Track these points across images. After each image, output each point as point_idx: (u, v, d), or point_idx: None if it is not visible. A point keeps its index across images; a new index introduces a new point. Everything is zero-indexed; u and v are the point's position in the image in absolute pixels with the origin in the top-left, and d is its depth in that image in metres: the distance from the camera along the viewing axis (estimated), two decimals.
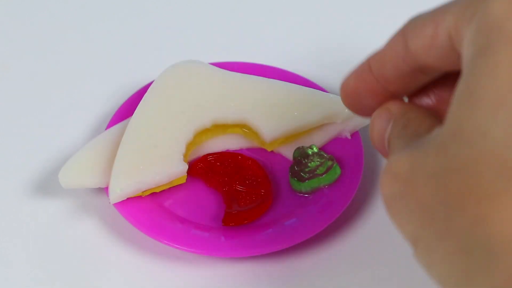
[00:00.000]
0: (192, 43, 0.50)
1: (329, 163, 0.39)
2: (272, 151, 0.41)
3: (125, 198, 0.38)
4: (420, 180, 0.24)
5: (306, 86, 0.43)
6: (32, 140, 0.44)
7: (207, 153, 0.42)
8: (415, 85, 0.31)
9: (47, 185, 0.41)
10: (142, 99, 0.41)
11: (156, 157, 0.38)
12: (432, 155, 0.24)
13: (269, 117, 0.41)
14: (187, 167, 0.39)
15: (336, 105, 0.41)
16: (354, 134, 0.42)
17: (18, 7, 0.53)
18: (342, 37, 0.51)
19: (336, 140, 0.42)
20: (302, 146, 0.40)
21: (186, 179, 0.39)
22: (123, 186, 0.37)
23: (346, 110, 0.40)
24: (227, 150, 0.42)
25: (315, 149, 0.39)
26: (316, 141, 0.41)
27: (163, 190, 0.39)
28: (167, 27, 0.51)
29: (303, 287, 0.37)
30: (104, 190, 0.39)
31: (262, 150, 0.42)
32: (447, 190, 0.23)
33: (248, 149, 0.42)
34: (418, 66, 0.29)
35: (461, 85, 0.24)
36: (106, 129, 0.42)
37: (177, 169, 0.38)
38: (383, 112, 0.30)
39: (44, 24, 0.52)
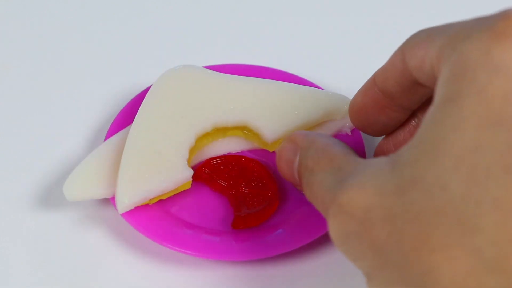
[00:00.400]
0: (185, 45, 0.50)
1: None
2: (273, 152, 0.41)
3: (133, 208, 0.37)
4: (376, 221, 0.24)
5: (302, 84, 0.43)
6: (29, 149, 0.43)
7: (209, 157, 0.41)
8: (419, 98, 0.32)
9: (49, 196, 0.40)
10: (141, 105, 0.41)
11: (161, 164, 0.38)
12: (389, 198, 0.24)
13: (269, 118, 0.41)
14: (192, 172, 0.38)
15: (335, 102, 0.41)
16: (354, 130, 0.42)
17: (18, 7, 0.52)
18: (340, 38, 0.51)
19: (337, 137, 0.42)
20: None
21: (191, 185, 0.39)
22: (131, 196, 0.37)
23: (345, 106, 0.41)
24: (229, 153, 0.42)
25: None
26: None
27: (169, 197, 0.39)
28: (162, 30, 0.51)
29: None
30: (110, 200, 0.38)
31: (263, 151, 0.42)
32: (403, 236, 0.23)
33: (250, 151, 0.42)
34: (416, 81, 0.29)
35: (426, 131, 0.24)
36: (106, 136, 0.41)
37: (183, 175, 0.38)
38: (289, 144, 0.31)
39: (38, 27, 0.51)
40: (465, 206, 0.22)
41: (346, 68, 0.48)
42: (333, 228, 0.26)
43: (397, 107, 0.32)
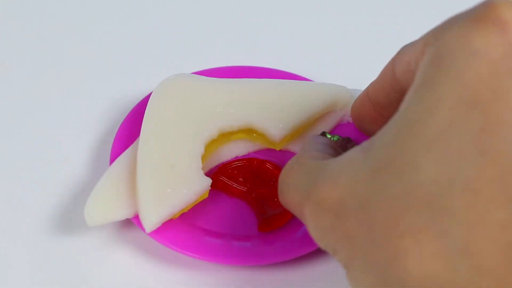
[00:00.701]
0: (181, 48, 0.50)
1: (352, 143, 0.39)
2: (281, 150, 0.42)
3: (160, 225, 0.37)
4: (350, 211, 0.24)
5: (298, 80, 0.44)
6: (33, 172, 0.42)
7: (218, 163, 0.41)
8: None
9: (66, 221, 0.39)
10: (144, 119, 0.40)
11: (179, 177, 0.38)
12: (362, 185, 0.24)
13: (273, 117, 0.41)
14: (211, 181, 0.38)
15: (334, 93, 0.42)
16: None
17: (18, 7, 0.51)
18: (339, 37, 0.51)
19: (339, 126, 0.43)
20: (319, 134, 0.40)
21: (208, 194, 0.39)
22: (158, 213, 0.36)
23: (344, 96, 0.42)
24: (236, 156, 0.42)
25: (328, 135, 0.40)
26: (321, 130, 0.42)
27: (190, 209, 0.38)
28: (160, 33, 0.51)
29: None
30: (132, 220, 0.37)
31: (270, 151, 0.42)
32: (374, 222, 0.23)
33: (256, 152, 0.42)
34: (405, 91, 0.28)
35: (400, 114, 0.24)
36: (111, 152, 0.40)
37: (203, 185, 0.38)
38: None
39: (38, 27, 0.51)
40: (436, 187, 0.22)
41: (345, 68, 0.48)
42: (311, 226, 0.26)
43: (387, 119, 0.32)
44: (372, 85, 0.33)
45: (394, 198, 0.22)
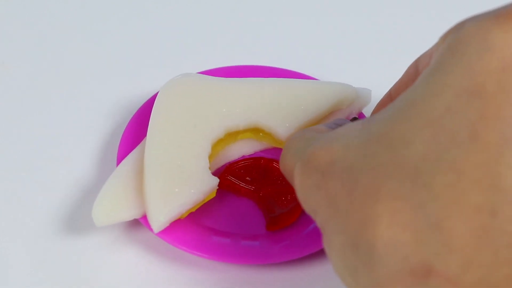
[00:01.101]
0: (184, 48, 0.50)
1: None
2: None
3: (168, 225, 0.37)
4: (336, 173, 0.25)
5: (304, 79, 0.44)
6: (41, 173, 0.42)
7: (224, 163, 0.41)
8: None
9: (74, 221, 0.39)
10: (150, 120, 0.40)
11: (187, 177, 0.38)
12: (353, 151, 0.24)
13: (279, 116, 0.41)
14: (218, 180, 0.38)
15: (340, 92, 0.42)
16: (360, 115, 0.43)
17: (18, 7, 0.51)
18: (341, 36, 0.51)
19: None
20: None
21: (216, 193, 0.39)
22: (166, 213, 0.36)
23: (350, 94, 0.42)
24: (243, 156, 0.42)
25: None
26: None
27: (197, 209, 0.38)
28: (162, 33, 0.51)
29: None
30: (140, 220, 0.38)
31: (276, 150, 0.42)
32: (356, 185, 0.24)
33: (262, 151, 0.42)
34: None
35: (406, 94, 0.25)
36: (118, 152, 0.40)
37: (210, 184, 0.38)
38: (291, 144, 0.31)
39: (38, 27, 0.51)
40: (423, 163, 0.22)
41: (350, 66, 0.48)
42: (298, 185, 0.26)
43: None
44: (395, 86, 0.34)
45: (379, 165, 0.23)
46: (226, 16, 0.52)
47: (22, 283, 0.37)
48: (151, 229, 0.36)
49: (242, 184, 0.40)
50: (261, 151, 0.42)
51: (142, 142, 0.40)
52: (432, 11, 0.52)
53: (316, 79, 0.44)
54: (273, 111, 0.41)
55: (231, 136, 0.41)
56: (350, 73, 0.47)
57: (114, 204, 0.37)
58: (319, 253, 0.38)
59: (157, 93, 0.41)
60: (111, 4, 0.53)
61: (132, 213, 0.37)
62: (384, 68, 0.46)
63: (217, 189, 0.39)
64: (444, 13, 0.52)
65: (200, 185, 0.37)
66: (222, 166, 0.41)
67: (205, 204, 0.38)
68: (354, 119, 0.39)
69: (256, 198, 0.39)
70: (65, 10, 0.52)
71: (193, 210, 0.38)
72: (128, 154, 0.40)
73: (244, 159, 0.41)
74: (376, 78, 0.43)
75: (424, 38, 0.49)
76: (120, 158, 0.40)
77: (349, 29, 0.52)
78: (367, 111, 0.43)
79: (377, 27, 0.51)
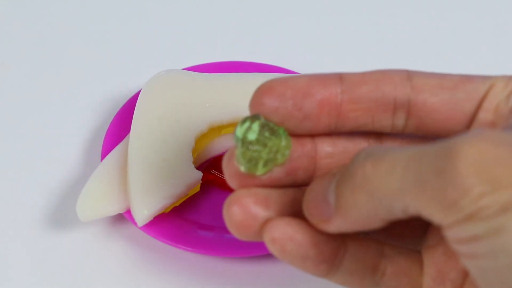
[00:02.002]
0: (167, 49, 0.50)
1: None
2: None
3: (151, 218, 0.37)
4: None
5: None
6: (25, 169, 0.43)
7: (208, 158, 0.42)
8: None
9: (59, 216, 0.40)
10: (134, 115, 0.40)
11: (171, 171, 0.38)
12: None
13: None
14: (202, 174, 0.38)
15: None
16: None
17: (18, 7, 0.51)
18: (338, 35, 0.52)
19: None
20: None
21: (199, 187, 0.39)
22: (150, 207, 0.37)
23: None
24: (227, 150, 0.42)
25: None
26: None
27: (181, 203, 0.39)
28: (147, 34, 0.51)
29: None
30: (124, 215, 0.38)
31: None
32: None
33: None
34: None
35: None
36: (102, 147, 0.41)
37: (194, 178, 0.38)
38: (325, 176, 0.27)
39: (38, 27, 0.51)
40: None
41: (332, 62, 0.49)
42: (468, 158, 0.22)
43: None
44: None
45: None
46: (213, 12, 0.53)
47: (7, 277, 0.37)
48: (135, 223, 0.37)
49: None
50: None
51: (126, 137, 0.40)
52: (432, 11, 0.53)
53: (298, 73, 0.45)
54: None
55: (215, 130, 0.41)
56: (334, 68, 0.47)
57: (98, 199, 0.38)
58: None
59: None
60: (104, 3, 0.53)
61: (116, 208, 0.38)
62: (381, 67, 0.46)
63: (201, 183, 0.39)
64: (444, 13, 0.52)
65: (184, 179, 0.38)
66: (206, 160, 0.42)
67: (189, 198, 0.39)
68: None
69: None
70: (55, 9, 0.53)
71: (177, 204, 0.38)
72: (112, 149, 0.40)
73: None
74: None
75: (423, 38, 0.50)
76: (105, 154, 0.40)
77: (342, 26, 0.52)
78: None
79: (376, 27, 0.52)
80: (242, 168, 0.26)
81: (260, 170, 0.27)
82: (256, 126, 0.27)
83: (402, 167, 0.23)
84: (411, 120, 0.28)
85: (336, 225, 0.25)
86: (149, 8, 0.53)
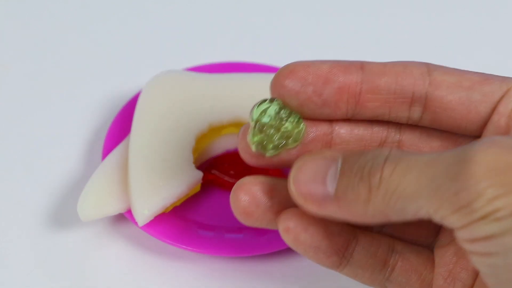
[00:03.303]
0: (168, 50, 0.50)
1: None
2: None
3: (152, 218, 0.37)
4: None
5: None
6: (26, 169, 0.43)
7: (209, 157, 0.42)
8: None
9: (60, 216, 0.40)
10: (134, 115, 0.40)
11: (171, 171, 0.38)
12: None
13: None
14: (202, 174, 0.39)
15: None
16: None
17: (18, 7, 0.52)
18: (337, 36, 0.52)
19: None
20: None
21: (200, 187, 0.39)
22: (150, 206, 0.37)
23: None
24: (227, 150, 0.42)
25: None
26: None
27: (182, 203, 0.39)
28: (148, 34, 0.51)
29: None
30: (125, 215, 0.38)
31: None
32: None
33: None
34: None
35: None
36: (103, 147, 0.41)
37: (194, 178, 0.38)
38: (312, 161, 0.27)
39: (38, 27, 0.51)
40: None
41: None
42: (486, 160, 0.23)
43: None
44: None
45: None
46: (213, 12, 0.53)
47: (7, 276, 0.37)
48: (135, 223, 0.37)
49: (226, 178, 0.40)
50: None
51: (127, 137, 0.40)
52: (433, 11, 0.53)
53: None
54: None
55: (215, 130, 0.41)
56: None
57: (99, 199, 0.38)
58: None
59: None
60: (104, 2, 0.53)
61: (117, 208, 0.38)
62: None
63: (202, 183, 0.39)
64: (445, 13, 0.52)
65: (184, 178, 0.38)
66: (207, 160, 0.42)
67: (189, 198, 0.39)
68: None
69: None
70: (54, 9, 0.53)
71: (178, 204, 0.38)
72: (113, 149, 0.40)
73: (228, 153, 0.42)
74: None
75: (424, 38, 0.50)
76: (105, 154, 0.40)
77: (348, 28, 0.52)
78: None
79: (376, 27, 0.52)
80: (253, 148, 0.28)
81: (269, 152, 0.28)
82: (272, 110, 0.28)
83: (418, 172, 0.23)
84: (427, 114, 0.28)
85: (327, 211, 0.26)
86: (149, 8, 0.53)
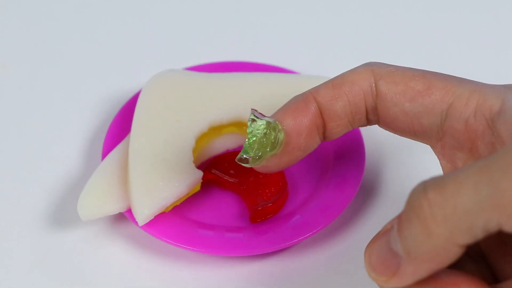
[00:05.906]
0: (168, 49, 0.50)
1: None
2: None
3: (152, 218, 0.37)
4: None
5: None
6: (26, 168, 0.43)
7: (209, 157, 0.42)
8: None
9: (60, 215, 0.40)
10: (134, 115, 0.40)
11: (171, 170, 0.38)
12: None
13: (262, 109, 0.41)
14: (202, 173, 0.39)
15: None
16: None
17: (18, 7, 0.52)
18: (336, 35, 0.52)
19: None
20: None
21: (200, 187, 0.39)
22: (150, 206, 0.37)
23: None
24: (227, 150, 0.42)
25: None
26: None
27: (182, 202, 0.39)
28: (148, 34, 0.51)
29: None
30: (125, 214, 0.38)
31: None
32: None
33: None
34: None
35: None
36: (103, 147, 0.41)
37: (194, 177, 0.38)
38: (377, 237, 0.26)
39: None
40: None
41: (332, 61, 0.49)
42: None
43: None
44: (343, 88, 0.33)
45: None
46: (213, 12, 0.53)
47: (7, 276, 0.37)
48: (135, 222, 0.37)
49: (226, 177, 0.40)
50: None
51: (127, 137, 0.40)
52: (433, 11, 0.53)
53: (297, 73, 0.45)
54: (256, 105, 0.41)
55: (215, 130, 0.41)
56: (333, 68, 0.47)
57: (99, 199, 0.38)
58: (303, 244, 0.38)
59: None
60: (104, 1, 0.53)
61: (117, 207, 0.38)
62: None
63: (202, 183, 0.39)
64: (445, 13, 0.52)
65: (184, 178, 0.38)
66: (207, 160, 0.42)
67: (190, 197, 0.39)
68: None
69: (240, 191, 0.40)
70: (56, 9, 0.53)
71: (178, 203, 0.38)
72: (113, 148, 0.40)
73: (228, 153, 0.42)
74: None
75: (424, 38, 0.50)
76: (106, 153, 0.40)
77: (348, 28, 0.52)
78: None
79: (376, 27, 0.52)
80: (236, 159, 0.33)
81: (251, 163, 0.33)
82: (260, 130, 0.33)
83: (472, 184, 0.22)
84: (381, 123, 0.32)
85: (408, 275, 0.24)
86: (149, 8, 0.53)
